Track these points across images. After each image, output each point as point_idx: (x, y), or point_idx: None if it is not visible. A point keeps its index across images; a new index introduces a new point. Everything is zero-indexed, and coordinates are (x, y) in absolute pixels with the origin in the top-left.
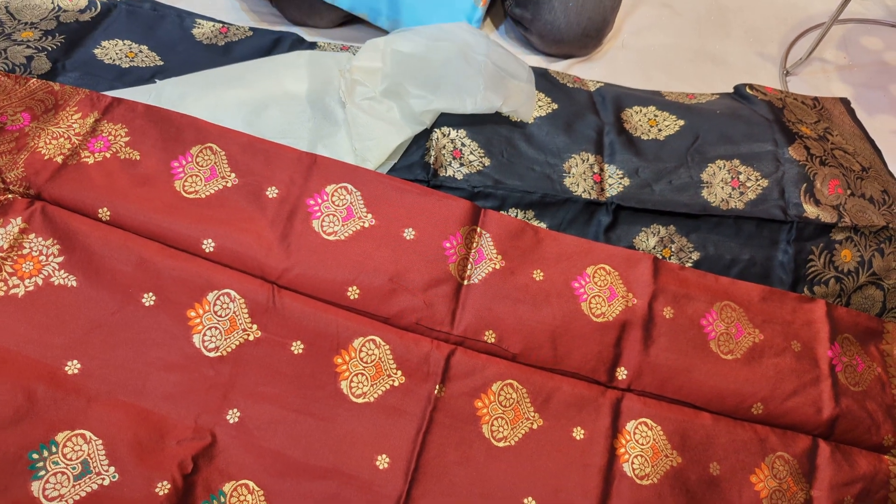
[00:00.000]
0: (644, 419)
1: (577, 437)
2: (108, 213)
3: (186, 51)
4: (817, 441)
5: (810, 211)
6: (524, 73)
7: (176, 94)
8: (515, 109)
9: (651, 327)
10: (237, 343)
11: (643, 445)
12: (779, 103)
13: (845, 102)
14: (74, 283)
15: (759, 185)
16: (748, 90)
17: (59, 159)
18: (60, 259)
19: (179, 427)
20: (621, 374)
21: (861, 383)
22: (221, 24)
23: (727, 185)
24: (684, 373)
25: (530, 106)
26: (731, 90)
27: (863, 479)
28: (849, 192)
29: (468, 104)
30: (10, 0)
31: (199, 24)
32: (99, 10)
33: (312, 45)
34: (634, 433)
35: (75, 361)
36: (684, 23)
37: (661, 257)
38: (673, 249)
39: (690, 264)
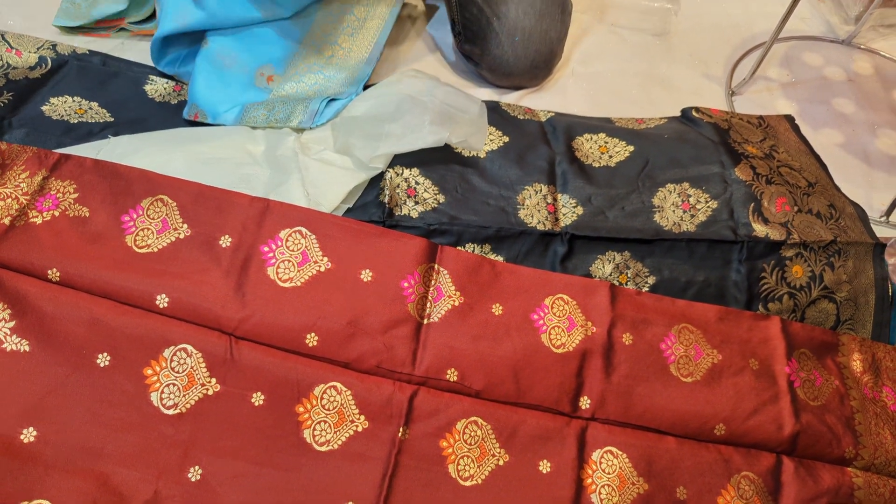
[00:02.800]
0: (609, 447)
1: (544, 471)
2: (58, 274)
3: (138, 108)
4: (781, 458)
5: (759, 230)
6: (475, 107)
7: (128, 151)
8: (465, 140)
9: (611, 355)
10: (196, 398)
11: (609, 474)
12: (724, 125)
13: (790, 119)
14: (27, 348)
15: (708, 206)
16: (694, 113)
17: (7, 221)
18: (12, 324)
19: (140, 490)
20: (585, 403)
21: (820, 397)
22: (175, 83)
23: (678, 208)
24: (646, 398)
25: (481, 137)
26: (679, 113)
27: (827, 492)
28: (796, 208)
29: (415, 141)
30: None
31: (153, 80)
32: (49, 66)
33: None
34: (601, 462)
35: (31, 429)
36: (631, 49)
37: (617, 284)
38: (629, 275)
39: (647, 289)
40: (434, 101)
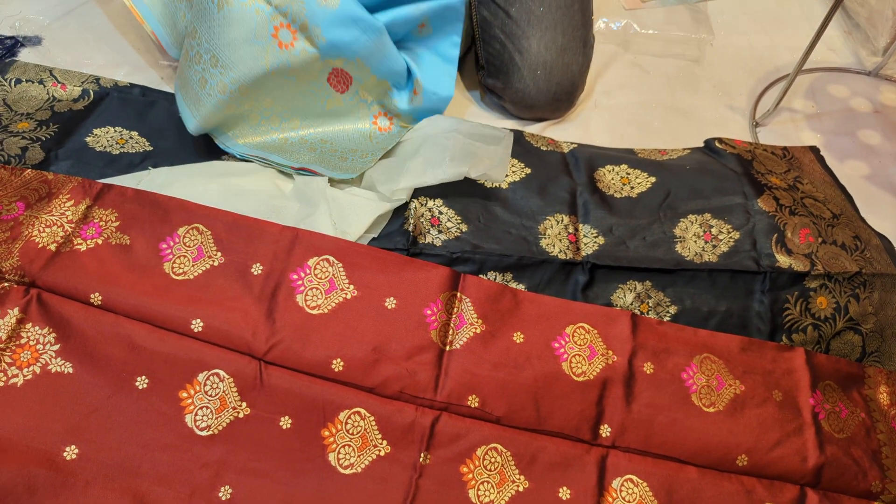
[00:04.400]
0: (630, 476)
1: (564, 498)
2: (100, 298)
3: (175, 135)
4: (805, 490)
5: (782, 260)
6: (500, 138)
7: (166, 182)
8: (485, 173)
9: (632, 383)
10: (228, 421)
11: (630, 502)
12: (748, 156)
13: (815, 150)
14: (71, 370)
15: (731, 237)
16: (718, 144)
17: (53, 247)
18: (57, 347)
19: None
20: (605, 431)
21: (845, 430)
22: None
23: (700, 238)
24: (667, 427)
25: (502, 169)
26: (702, 144)
27: None
28: (820, 239)
29: (436, 175)
30: (7, 92)
31: None
32: (92, 98)
33: None
34: (621, 490)
35: (73, 447)
36: (654, 81)
37: (639, 313)
38: (650, 304)
39: (668, 318)
40: (456, 139)
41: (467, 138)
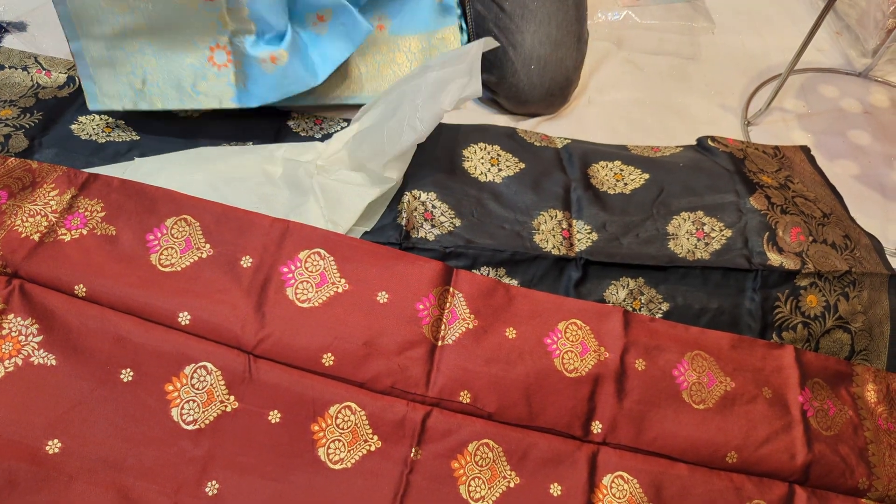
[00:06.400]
0: (620, 472)
1: (555, 494)
2: (85, 290)
3: (163, 125)
4: (793, 487)
5: (774, 259)
6: (466, 52)
7: (152, 171)
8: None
9: (624, 380)
10: (215, 415)
11: (620, 499)
12: (740, 154)
13: (805, 150)
14: (54, 362)
15: (723, 235)
16: (710, 142)
17: (36, 237)
18: (40, 338)
19: (158, 503)
20: (596, 427)
21: (833, 427)
22: None
23: (692, 236)
24: (658, 424)
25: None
26: (695, 142)
27: None
28: (811, 238)
29: (415, 136)
30: None
31: None
32: (78, 85)
33: (287, 114)
34: (611, 487)
35: (56, 440)
36: (647, 78)
37: (631, 309)
38: (643, 301)
39: (660, 315)
40: (426, 83)
41: (438, 71)
